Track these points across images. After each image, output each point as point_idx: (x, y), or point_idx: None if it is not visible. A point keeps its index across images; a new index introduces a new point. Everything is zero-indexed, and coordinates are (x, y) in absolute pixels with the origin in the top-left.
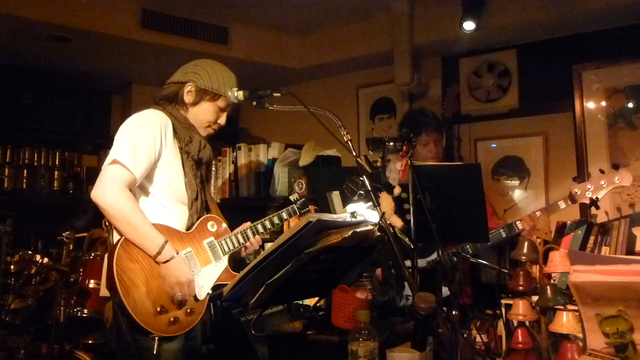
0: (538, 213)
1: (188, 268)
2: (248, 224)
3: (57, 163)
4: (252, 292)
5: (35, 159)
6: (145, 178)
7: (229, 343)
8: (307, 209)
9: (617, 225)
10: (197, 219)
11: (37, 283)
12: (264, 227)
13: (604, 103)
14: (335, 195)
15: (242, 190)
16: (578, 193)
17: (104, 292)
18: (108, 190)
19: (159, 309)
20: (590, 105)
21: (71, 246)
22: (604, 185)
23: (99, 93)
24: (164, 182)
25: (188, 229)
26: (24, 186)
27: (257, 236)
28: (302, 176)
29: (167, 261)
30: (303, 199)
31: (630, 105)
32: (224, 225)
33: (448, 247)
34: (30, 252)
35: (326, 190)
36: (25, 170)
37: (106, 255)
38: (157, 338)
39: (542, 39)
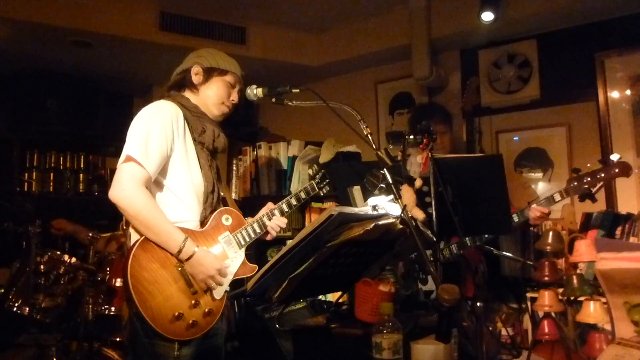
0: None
1: (213, 257)
2: (270, 204)
3: (82, 166)
4: (275, 287)
5: (61, 162)
6: (160, 172)
7: (253, 340)
8: (327, 180)
9: None
10: (211, 212)
11: (65, 282)
12: (289, 205)
13: (628, 91)
14: (356, 190)
15: (263, 188)
16: (575, 185)
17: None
18: (126, 190)
19: (176, 314)
20: (614, 94)
21: (103, 252)
22: (603, 177)
23: (120, 96)
24: (179, 175)
25: (202, 222)
26: (51, 189)
27: (281, 217)
28: None
29: (190, 257)
30: (322, 171)
31: None
32: (240, 216)
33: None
34: (58, 253)
35: (346, 186)
36: (51, 174)
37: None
38: (176, 343)
39: (562, 27)
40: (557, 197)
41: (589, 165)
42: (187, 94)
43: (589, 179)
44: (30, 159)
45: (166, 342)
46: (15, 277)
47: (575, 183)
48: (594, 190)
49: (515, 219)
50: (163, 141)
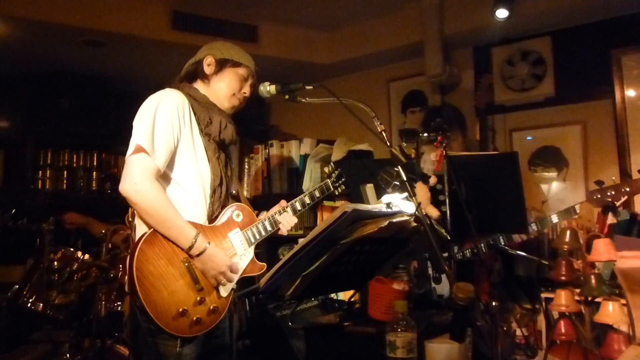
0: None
1: (223, 254)
2: (283, 202)
3: (94, 164)
4: (288, 284)
5: (74, 160)
6: (167, 165)
7: (265, 338)
8: (343, 179)
9: None
10: (220, 207)
11: (79, 279)
12: (303, 203)
13: None
14: (369, 188)
15: (274, 187)
16: (598, 197)
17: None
18: (138, 184)
19: (181, 309)
20: (631, 91)
21: (110, 245)
22: (627, 191)
23: (132, 95)
24: (186, 167)
25: (210, 217)
26: (64, 187)
27: (291, 216)
28: None
29: (201, 253)
30: (338, 170)
31: None
32: (252, 213)
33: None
34: (71, 250)
35: (359, 183)
36: (65, 172)
37: (128, 256)
38: (179, 340)
39: (578, 24)
40: (579, 208)
41: (613, 178)
42: (198, 84)
43: (612, 192)
44: (44, 158)
45: (168, 338)
46: (29, 274)
47: (599, 195)
48: (618, 203)
49: (535, 227)
50: (170, 131)
